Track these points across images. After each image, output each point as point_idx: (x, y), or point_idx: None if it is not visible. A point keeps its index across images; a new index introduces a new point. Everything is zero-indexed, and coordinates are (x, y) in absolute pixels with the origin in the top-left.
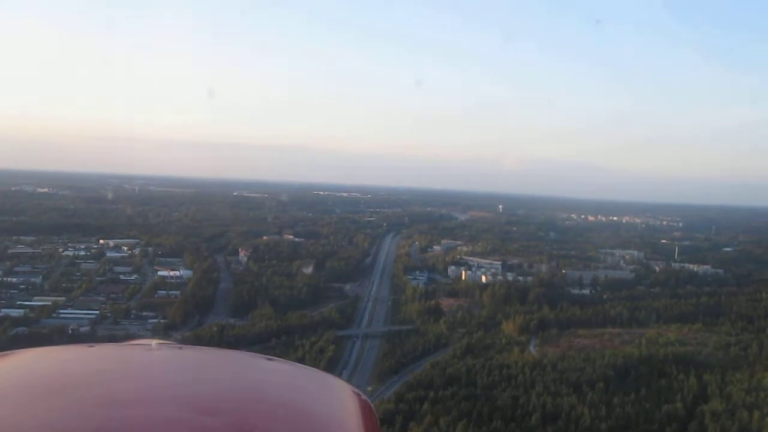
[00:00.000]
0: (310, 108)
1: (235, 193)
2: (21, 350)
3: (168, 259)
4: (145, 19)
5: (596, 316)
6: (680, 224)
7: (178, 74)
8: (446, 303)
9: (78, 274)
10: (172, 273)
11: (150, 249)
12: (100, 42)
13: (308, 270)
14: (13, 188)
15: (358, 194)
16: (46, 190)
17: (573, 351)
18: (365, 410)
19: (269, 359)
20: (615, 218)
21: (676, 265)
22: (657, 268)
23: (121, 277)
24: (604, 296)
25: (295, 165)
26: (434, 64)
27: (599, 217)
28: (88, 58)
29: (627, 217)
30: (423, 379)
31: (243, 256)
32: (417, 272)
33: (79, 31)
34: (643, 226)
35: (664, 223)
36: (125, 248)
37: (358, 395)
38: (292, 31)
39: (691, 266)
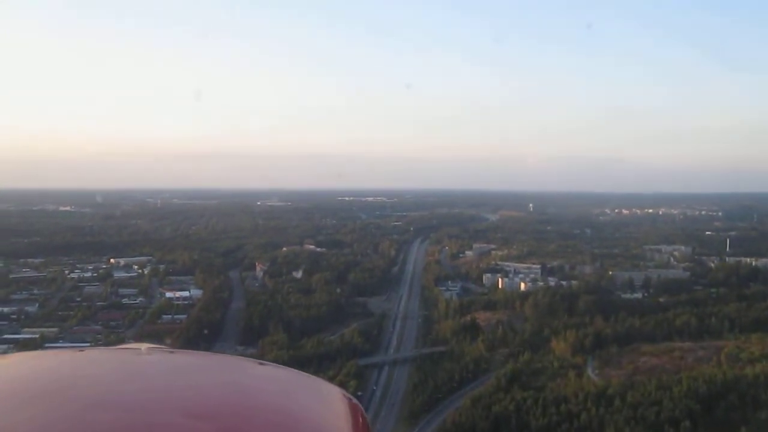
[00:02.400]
0: (333, 114)
1: (259, 203)
2: (10, 354)
3: (179, 278)
4: (160, 35)
5: (659, 327)
6: (719, 213)
7: (199, 87)
8: (483, 317)
9: (78, 299)
10: (178, 294)
11: (161, 267)
12: (122, 58)
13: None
14: (34, 208)
15: (383, 198)
16: (68, 208)
17: (641, 375)
18: (356, 414)
19: (261, 363)
20: (650, 211)
21: (730, 260)
22: (712, 265)
23: (125, 300)
24: (661, 300)
25: (320, 172)
26: (456, 62)
27: (634, 210)
28: (113, 76)
29: (663, 209)
30: (463, 421)
31: (260, 270)
32: (449, 282)
33: (96, 49)
34: (681, 217)
35: (703, 213)
36: (135, 267)
37: (350, 399)
38: (312, 41)
39: (748, 260)
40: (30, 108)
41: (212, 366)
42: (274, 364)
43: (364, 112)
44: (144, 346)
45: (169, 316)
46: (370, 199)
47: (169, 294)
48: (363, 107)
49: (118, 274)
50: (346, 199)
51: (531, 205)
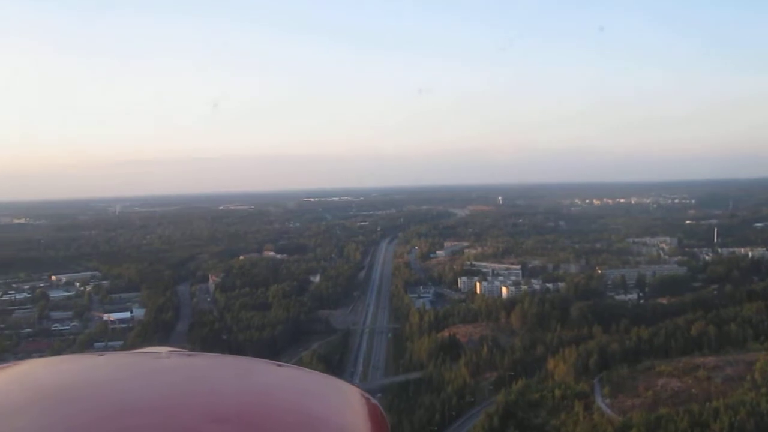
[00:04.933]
0: (298, 114)
1: (221, 207)
2: (30, 360)
3: (123, 295)
4: (125, 35)
5: (672, 339)
6: (692, 201)
7: (163, 89)
8: (463, 331)
9: (2, 326)
10: (115, 317)
11: (105, 283)
12: (78, 64)
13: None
14: None
15: (349, 198)
16: (22, 220)
17: (664, 404)
18: (375, 414)
19: (279, 365)
20: (622, 200)
21: (723, 252)
22: (707, 258)
23: (55, 326)
24: (664, 302)
25: (286, 173)
26: (418, 59)
27: (605, 200)
28: (65, 83)
29: (634, 198)
30: None
31: (212, 283)
32: (421, 287)
33: (58, 58)
34: (655, 206)
35: (676, 201)
36: (77, 284)
37: (368, 399)
38: (274, 38)
39: (741, 250)
40: None
41: (232, 368)
42: (292, 365)
43: (329, 112)
44: (164, 349)
45: (102, 344)
46: (336, 199)
47: (106, 317)
48: (328, 106)
49: (56, 294)
50: (312, 200)
51: (500, 198)
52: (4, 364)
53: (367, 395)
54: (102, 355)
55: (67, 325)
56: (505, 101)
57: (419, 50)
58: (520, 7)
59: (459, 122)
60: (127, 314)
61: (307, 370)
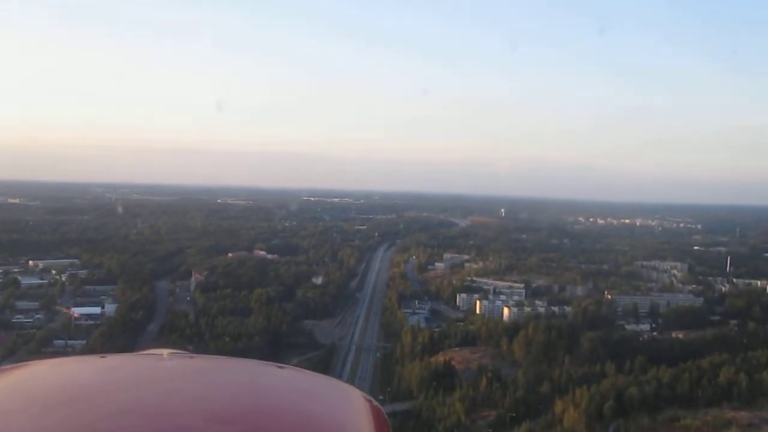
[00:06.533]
0: (304, 112)
1: (219, 201)
2: (31, 362)
3: (98, 287)
4: (135, 25)
5: (698, 385)
6: (699, 226)
7: (169, 80)
8: (460, 356)
9: None
10: (82, 312)
11: (83, 273)
12: (88, 50)
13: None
14: None
15: (350, 200)
16: (16, 200)
17: None
18: (377, 417)
19: (280, 367)
20: (627, 221)
21: (738, 282)
22: (723, 288)
23: (17, 318)
24: (682, 337)
25: (289, 171)
26: (428, 65)
27: (609, 219)
28: (77, 67)
29: (639, 220)
30: None
31: (195, 280)
32: (416, 302)
33: (69, 41)
34: (660, 229)
35: (681, 225)
36: (53, 271)
37: (370, 401)
38: (282, 34)
39: (758, 283)
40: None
41: (234, 370)
42: (294, 367)
43: (334, 112)
44: (165, 351)
45: (62, 342)
46: (336, 199)
47: (72, 311)
48: (333, 106)
49: (28, 281)
50: (312, 199)
51: (503, 210)
52: (6, 366)
53: (369, 397)
54: (104, 357)
55: (31, 318)
56: (512, 112)
57: (428, 56)
58: (533, 20)
59: (464, 130)
60: (97, 309)
61: (309, 372)
